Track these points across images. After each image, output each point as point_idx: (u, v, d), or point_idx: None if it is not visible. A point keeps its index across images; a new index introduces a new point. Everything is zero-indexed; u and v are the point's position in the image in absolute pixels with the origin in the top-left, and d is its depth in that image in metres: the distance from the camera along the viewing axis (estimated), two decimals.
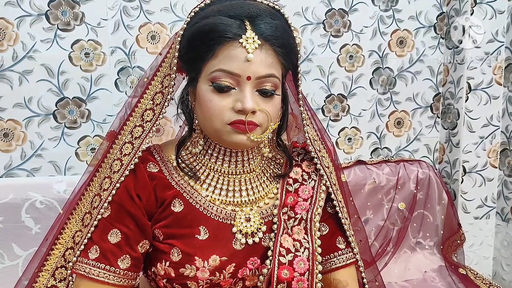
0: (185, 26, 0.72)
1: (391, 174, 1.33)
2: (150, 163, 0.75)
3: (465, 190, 1.51)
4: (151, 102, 0.76)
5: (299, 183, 0.79)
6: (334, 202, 0.79)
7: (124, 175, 0.72)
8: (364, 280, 0.81)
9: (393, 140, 1.55)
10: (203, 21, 0.69)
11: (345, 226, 0.79)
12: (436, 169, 1.55)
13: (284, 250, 0.72)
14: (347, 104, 1.48)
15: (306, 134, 0.79)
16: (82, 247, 0.70)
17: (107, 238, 0.70)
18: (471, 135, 1.50)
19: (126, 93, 1.28)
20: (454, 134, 1.53)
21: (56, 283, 0.76)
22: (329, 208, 0.80)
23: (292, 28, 0.74)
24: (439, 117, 1.58)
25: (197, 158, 0.77)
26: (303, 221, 0.75)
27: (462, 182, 1.50)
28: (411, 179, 1.33)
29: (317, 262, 0.73)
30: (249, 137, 0.70)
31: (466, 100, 1.49)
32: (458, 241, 1.32)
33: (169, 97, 0.75)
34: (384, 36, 1.48)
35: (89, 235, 0.70)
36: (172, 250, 0.70)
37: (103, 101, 1.26)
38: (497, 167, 1.53)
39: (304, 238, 0.74)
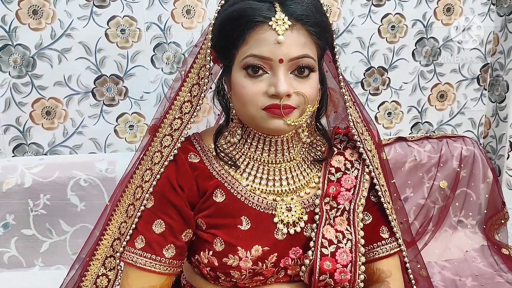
0: (216, 14, 0.71)
1: (432, 151, 1.28)
2: (191, 153, 0.75)
3: (511, 166, 1.44)
4: (189, 94, 0.75)
5: (341, 172, 0.77)
6: (377, 187, 0.77)
7: (164, 165, 0.72)
8: (407, 264, 0.79)
9: (435, 114, 1.48)
10: (232, 7, 0.67)
11: (389, 217, 0.76)
12: (481, 144, 1.49)
13: (326, 241, 0.71)
14: (388, 77, 1.42)
15: (350, 117, 0.76)
16: (128, 237, 0.72)
17: (151, 228, 0.71)
18: None
19: (162, 70, 1.27)
20: (502, 108, 1.44)
21: (106, 272, 0.79)
22: (372, 197, 0.78)
23: (324, 7, 0.71)
24: (486, 89, 1.50)
25: (237, 147, 0.76)
26: (346, 212, 0.74)
27: (508, 158, 1.43)
28: (454, 156, 1.28)
29: (360, 254, 0.72)
30: (285, 121, 0.68)
31: None
32: (502, 220, 1.27)
33: (205, 88, 0.73)
34: (429, 3, 1.39)
35: (133, 225, 0.72)
36: (215, 240, 0.71)
37: (139, 78, 1.26)
38: None
39: (347, 230, 0.73)
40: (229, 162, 0.75)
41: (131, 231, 0.72)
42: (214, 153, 0.76)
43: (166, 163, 0.72)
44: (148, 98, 1.28)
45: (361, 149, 0.77)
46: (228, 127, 0.76)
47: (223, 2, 0.70)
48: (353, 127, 0.77)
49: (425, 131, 1.48)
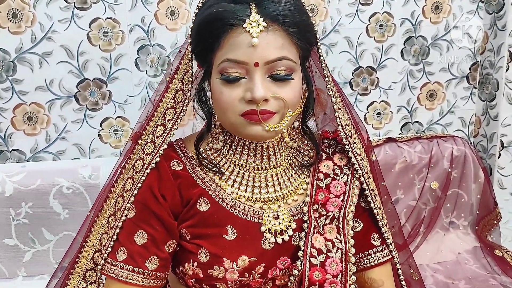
0: (193, 18, 0.68)
1: (423, 152, 1.27)
2: (174, 160, 0.72)
3: (502, 165, 1.43)
4: (173, 100, 0.73)
5: (330, 178, 0.75)
6: (367, 193, 0.74)
7: (145, 174, 0.70)
8: (399, 271, 0.77)
9: (424, 114, 1.47)
10: (207, 11, 0.65)
11: (380, 223, 0.74)
12: (471, 143, 1.48)
13: (316, 251, 0.69)
14: (377, 77, 1.40)
15: (338, 120, 0.74)
16: (109, 249, 0.69)
17: (133, 240, 0.68)
18: (511, 107, 1.40)
19: (146, 73, 1.24)
20: (492, 106, 1.43)
21: (87, 286, 0.76)
22: (362, 203, 0.76)
23: (307, 6, 0.69)
24: (476, 88, 1.49)
25: (221, 153, 0.74)
26: (335, 219, 0.71)
27: (499, 157, 1.42)
28: (445, 156, 1.26)
29: (350, 264, 0.69)
30: (264, 127, 0.65)
31: (506, 70, 1.38)
32: (495, 221, 1.26)
33: (189, 94, 0.71)
34: (418, 1, 1.37)
35: (115, 237, 0.69)
36: (200, 251, 0.69)
37: (123, 81, 1.23)
38: None
39: (337, 238, 0.70)
40: (213, 169, 0.72)
41: (112, 243, 0.69)
42: (198, 160, 0.74)
43: (147, 171, 0.70)
44: (133, 102, 1.25)
45: (350, 153, 0.74)
46: (211, 133, 0.74)
47: (200, 4, 0.67)
48: (342, 130, 0.74)
49: (415, 131, 1.47)
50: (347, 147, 0.74)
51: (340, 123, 0.74)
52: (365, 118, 1.42)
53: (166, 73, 0.81)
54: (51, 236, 1.10)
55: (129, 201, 0.69)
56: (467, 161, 1.28)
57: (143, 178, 0.69)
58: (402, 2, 1.36)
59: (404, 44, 1.40)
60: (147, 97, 1.26)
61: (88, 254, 0.76)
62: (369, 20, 1.35)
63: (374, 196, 0.76)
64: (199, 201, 0.70)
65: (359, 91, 1.40)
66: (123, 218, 0.69)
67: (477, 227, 1.26)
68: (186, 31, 1.23)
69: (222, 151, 0.73)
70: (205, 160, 0.72)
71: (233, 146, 0.72)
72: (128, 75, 1.23)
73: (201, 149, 0.73)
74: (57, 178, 1.08)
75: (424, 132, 1.47)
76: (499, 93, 1.40)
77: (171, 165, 0.71)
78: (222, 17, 0.63)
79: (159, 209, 0.69)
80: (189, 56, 0.70)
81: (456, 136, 1.34)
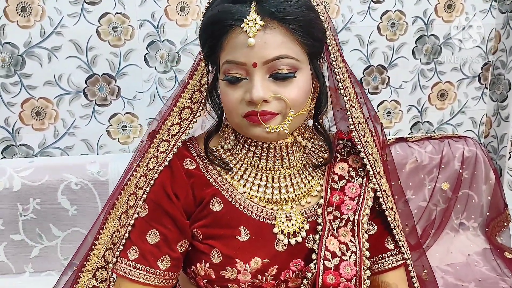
0: (201, 19, 0.67)
1: (434, 152, 1.25)
2: (187, 159, 0.71)
3: None
4: (189, 100, 0.73)
5: (345, 180, 0.73)
6: (378, 194, 0.73)
7: (158, 171, 0.69)
8: (412, 273, 0.76)
9: (435, 114, 1.45)
10: (208, 13, 0.64)
11: (391, 224, 0.73)
12: (481, 144, 1.46)
13: (330, 254, 0.67)
14: (387, 76, 1.39)
15: (350, 119, 0.72)
16: (121, 247, 0.68)
17: (145, 239, 0.67)
18: None
19: (156, 69, 1.23)
20: (503, 107, 1.42)
21: (97, 284, 0.75)
22: (377, 206, 0.74)
23: (318, 6, 0.65)
24: (487, 88, 1.47)
25: (233, 152, 0.73)
26: (350, 222, 0.70)
27: (510, 158, 1.41)
28: (456, 157, 1.25)
29: (365, 267, 0.68)
30: (264, 128, 0.63)
31: None
32: (504, 223, 1.25)
33: (205, 93, 0.71)
34: (430, 0, 1.35)
35: (127, 235, 0.68)
36: (212, 252, 0.67)
37: (132, 77, 1.22)
38: None
39: (351, 241, 0.69)
40: (222, 165, 0.71)
41: (124, 241, 0.68)
42: (207, 158, 0.73)
43: (160, 168, 0.69)
44: (142, 98, 1.24)
45: (362, 153, 0.73)
46: (223, 133, 0.73)
47: (207, 5, 0.66)
48: (354, 129, 0.73)
49: (425, 131, 1.45)
50: (359, 147, 0.73)
51: (352, 122, 0.72)
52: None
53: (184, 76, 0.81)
54: (59, 232, 1.10)
55: (142, 199, 0.68)
56: (478, 162, 1.27)
57: (156, 175, 0.69)
58: (415, 1, 1.34)
59: (415, 42, 1.38)
60: (156, 93, 1.25)
61: (99, 252, 0.75)
62: (381, 18, 1.33)
63: (386, 197, 0.75)
64: (212, 201, 0.69)
65: (369, 90, 1.38)
66: (135, 216, 0.68)
67: (487, 229, 1.25)
68: (196, 27, 1.22)
69: (235, 150, 0.72)
70: (214, 157, 0.71)
71: (245, 146, 0.71)
72: (137, 71, 1.22)
73: (213, 148, 0.72)
74: (65, 174, 1.08)
75: (434, 132, 1.45)
76: (511, 93, 1.39)
77: (184, 163, 0.70)
78: (221, 18, 0.62)
79: (171, 208, 0.68)
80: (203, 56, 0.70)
81: (467, 137, 1.33)
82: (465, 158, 1.25)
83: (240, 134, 0.72)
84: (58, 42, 1.16)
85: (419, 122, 1.45)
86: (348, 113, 0.71)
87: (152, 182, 0.68)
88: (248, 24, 0.60)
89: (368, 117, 0.78)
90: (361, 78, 1.37)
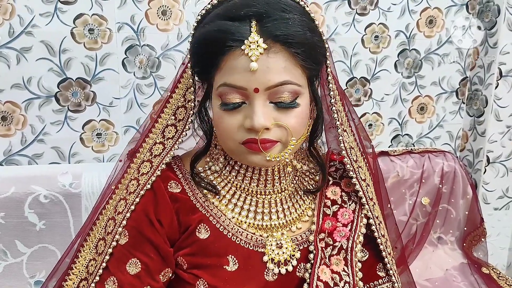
0: (192, 32, 0.63)
1: (415, 166, 1.26)
2: (172, 181, 0.66)
3: (487, 180, 1.45)
4: (173, 117, 0.67)
5: (338, 206, 0.71)
6: (371, 221, 0.71)
7: (140, 195, 0.64)
8: None
9: (415, 127, 1.47)
10: (203, 29, 0.60)
11: (383, 252, 0.71)
12: (458, 157, 1.49)
13: (322, 284, 0.64)
14: (370, 88, 1.39)
15: (342, 144, 0.70)
16: (97, 278, 0.62)
17: (125, 269, 0.62)
18: (498, 124, 1.42)
19: (134, 74, 1.17)
20: (480, 122, 1.45)
21: None
22: (369, 231, 0.72)
23: (314, 18, 0.62)
24: (464, 103, 1.50)
25: (221, 174, 0.69)
26: (343, 250, 0.68)
27: (485, 172, 1.44)
28: (435, 172, 1.26)
29: None
30: (264, 157, 0.60)
31: (496, 87, 1.39)
32: (481, 237, 1.27)
33: (192, 112, 0.66)
34: (413, 14, 1.36)
35: (104, 264, 0.63)
36: (198, 282, 0.63)
37: (109, 82, 1.16)
38: None
39: (344, 271, 0.66)
40: (208, 187, 0.67)
41: (100, 271, 0.63)
42: (193, 180, 0.68)
43: (142, 192, 0.64)
44: (118, 105, 1.18)
45: (354, 180, 0.71)
46: (210, 153, 0.69)
47: (199, 18, 0.62)
48: (345, 155, 0.71)
49: (405, 144, 1.46)
50: (351, 173, 0.71)
51: (344, 147, 0.70)
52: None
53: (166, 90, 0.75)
54: (25, 248, 1.02)
55: (121, 225, 0.63)
56: (456, 177, 1.29)
57: (137, 200, 0.63)
58: (398, 14, 1.35)
59: (398, 56, 1.39)
60: (134, 100, 1.19)
61: (73, 283, 0.68)
62: (365, 31, 1.33)
63: (378, 224, 0.73)
64: (198, 227, 0.65)
65: (352, 102, 1.38)
66: (114, 243, 0.63)
67: (464, 244, 1.27)
68: (178, 32, 1.17)
69: (223, 172, 0.68)
70: (200, 179, 0.67)
71: (235, 167, 0.68)
72: (115, 76, 1.16)
73: (199, 169, 0.68)
74: (34, 186, 1.00)
75: (414, 145, 1.47)
76: (488, 109, 1.42)
77: (168, 186, 0.66)
78: (218, 38, 0.57)
79: (154, 235, 0.63)
80: (191, 71, 0.65)
81: (446, 152, 1.35)
82: (444, 173, 1.27)
83: (228, 157, 0.68)
84: (29, 42, 1.08)
85: (399, 134, 1.46)
86: (340, 138, 0.69)
87: (132, 207, 0.63)
88: (249, 47, 0.56)
89: (358, 142, 0.77)
90: (344, 90, 1.36)
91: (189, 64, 0.66)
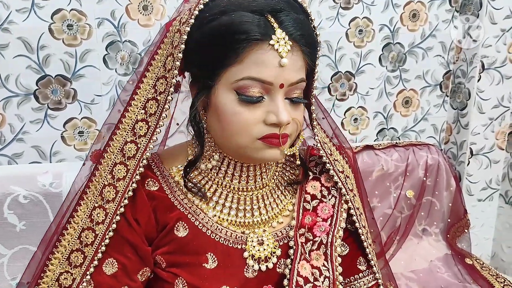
0: (192, 21, 0.59)
1: (399, 160, 1.27)
2: (149, 179, 0.65)
3: (471, 172, 1.47)
4: (143, 111, 0.63)
5: (317, 200, 0.71)
6: (352, 212, 0.72)
7: (122, 204, 0.61)
8: None
9: (400, 120, 1.48)
10: (221, 19, 0.57)
11: (364, 243, 0.71)
12: (442, 150, 1.50)
13: (302, 280, 0.64)
14: (355, 82, 1.39)
15: (316, 137, 0.71)
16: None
17: (102, 270, 0.61)
18: (481, 116, 1.44)
19: (116, 71, 1.15)
20: (463, 115, 1.46)
21: None
22: (349, 225, 0.73)
23: (312, 19, 0.64)
24: (448, 96, 1.51)
25: (202, 172, 0.67)
26: (323, 245, 0.68)
27: (468, 164, 1.46)
28: (420, 165, 1.27)
29: None
30: (282, 151, 0.62)
31: (478, 80, 1.41)
32: (464, 228, 1.29)
33: (167, 106, 0.62)
34: (396, 8, 1.36)
35: (87, 277, 0.61)
36: (177, 281, 0.62)
37: (90, 79, 1.14)
38: (504, 149, 1.49)
39: (324, 266, 0.67)
40: (199, 194, 0.66)
41: (84, 284, 0.60)
42: (176, 179, 0.67)
43: (125, 201, 0.61)
44: (100, 102, 1.16)
45: (331, 171, 0.71)
46: (202, 155, 0.68)
47: (201, 6, 0.59)
48: (321, 148, 0.71)
49: (390, 137, 1.47)
50: (328, 165, 0.71)
51: (318, 141, 0.71)
52: (342, 123, 1.41)
53: (136, 71, 0.71)
54: (5, 250, 0.99)
55: (106, 236, 0.61)
56: (440, 169, 1.30)
57: (122, 209, 0.61)
58: (382, 8, 1.35)
59: (382, 50, 1.39)
60: (116, 96, 1.17)
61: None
62: (349, 25, 1.33)
63: (359, 215, 0.73)
64: (176, 225, 0.64)
65: (337, 96, 1.38)
66: (99, 255, 0.61)
67: (448, 235, 1.29)
68: (160, 27, 1.15)
69: (213, 170, 0.67)
70: (192, 186, 0.66)
71: (222, 168, 0.67)
72: (96, 72, 1.13)
73: (179, 166, 0.67)
74: (13, 186, 0.97)
75: (399, 139, 1.47)
76: (470, 102, 1.43)
77: (146, 184, 0.64)
78: (244, 29, 0.56)
79: (132, 235, 0.62)
80: (167, 59, 0.62)
81: (430, 145, 1.36)
82: (428, 165, 1.28)
83: (224, 156, 0.66)
84: (5, 39, 1.05)
85: (385, 128, 1.47)
86: (315, 130, 0.70)
87: (118, 217, 0.61)
88: (278, 42, 0.57)
89: (332, 137, 0.77)
90: (329, 85, 1.36)
91: (158, 51, 0.63)
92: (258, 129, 0.60)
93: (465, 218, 1.30)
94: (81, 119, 1.16)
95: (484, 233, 1.52)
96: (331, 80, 1.36)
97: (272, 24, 0.58)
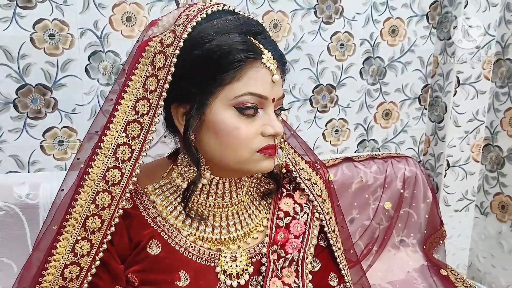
0: (181, 44, 0.60)
1: (378, 172, 1.29)
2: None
3: (448, 183, 1.50)
4: (123, 134, 0.61)
5: (290, 217, 0.72)
6: (325, 227, 0.73)
7: (109, 232, 0.61)
8: None
9: (380, 132, 1.51)
10: (216, 39, 0.60)
11: (340, 265, 0.73)
12: (420, 161, 1.54)
13: None
14: (336, 95, 1.42)
15: (285, 155, 0.74)
16: None
17: None
18: (457, 129, 1.48)
19: (98, 81, 1.15)
20: (440, 128, 1.50)
21: None
22: (321, 241, 0.74)
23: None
24: (426, 109, 1.55)
25: (178, 190, 0.68)
26: (294, 262, 0.69)
27: (445, 175, 1.49)
28: (398, 177, 1.30)
29: None
30: (275, 160, 0.67)
31: (454, 94, 1.45)
32: (440, 239, 1.32)
33: (153, 128, 0.62)
34: (376, 24, 1.40)
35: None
36: None
37: (71, 89, 1.13)
38: (479, 162, 1.53)
39: (295, 282, 0.68)
40: (197, 217, 0.68)
41: None
42: (151, 198, 0.67)
43: (112, 228, 0.61)
44: (82, 111, 1.16)
45: (298, 179, 0.73)
46: (182, 170, 0.68)
47: (189, 30, 0.61)
48: (290, 164, 0.74)
49: (370, 149, 1.50)
50: (294, 173, 0.74)
51: (288, 159, 0.74)
52: (323, 135, 1.43)
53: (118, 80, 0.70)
54: None
55: (93, 266, 0.61)
56: (417, 181, 1.33)
57: (109, 237, 0.61)
58: (362, 23, 1.38)
59: (363, 64, 1.42)
60: (98, 106, 1.17)
61: None
62: (330, 39, 1.36)
63: (329, 220, 0.75)
64: (149, 243, 0.64)
65: (318, 108, 1.40)
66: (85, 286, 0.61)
67: (424, 246, 1.31)
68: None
69: (204, 188, 0.68)
70: (191, 211, 0.67)
71: (213, 181, 0.69)
72: (78, 82, 1.13)
73: (155, 185, 0.68)
74: None
75: (379, 150, 1.50)
76: (447, 115, 1.47)
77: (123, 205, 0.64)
78: (242, 48, 0.60)
79: (105, 255, 0.62)
80: (146, 79, 0.62)
81: (408, 157, 1.39)
82: (406, 178, 1.31)
83: (205, 172, 0.67)
84: None
85: (365, 140, 1.49)
86: (285, 150, 0.73)
87: (104, 245, 0.60)
88: (269, 61, 0.62)
89: (302, 154, 0.80)
90: (310, 97, 1.38)
91: (134, 71, 0.62)
92: (257, 142, 0.63)
93: (441, 229, 1.33)
94: (61, 128, 1.15)
95: (460, 243, 1.56)
96: (313, 93, 1.38)
97: (257, 44, 0.63)
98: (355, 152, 1.47)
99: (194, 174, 0.66)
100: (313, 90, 1.38)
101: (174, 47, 0.60)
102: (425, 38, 1.47)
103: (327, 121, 1.42)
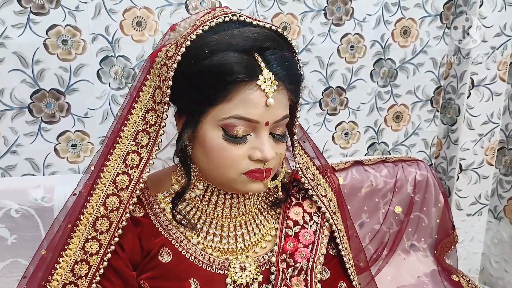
0: (179, 58, 0.60)
1: (388, 176, 1.28)
2: (135, 205, 0.67)
3: (460, 187, 1.48)
4: (133, 142, 0.64)
5: (299, 226, 0.73)
6: (336, 234, 0.73)
7: (116, 234, 0.63)
8: None
9: (390, 135, 1.49)
10: (211, 58, 0.58)
11: (347, 264, 0.73)
12: (432, 165, 1.52)
13: None
14: (346, 98, 1.41)
15: (297, 165, 0.72)
16: None
17: None
18: (470, 132, 1.46)
19: (109, 85, 1.17)
20: (453, 131, 1.48)
21: None
22: (331, 250, 0.74)
23: (297, 55, 0.66)
24: (438, 111, 1.53)
25: (187, 200, 0.69)
26: (303, 272, 0.69)
27: (457, 179, 1.47)
28: (408, 181, 1.29)
29: None
30: (265, 184, 0.64)
31: (468, 97, 1.43)
32: (452, 244, 1.30)
33: (159, 139, 0.64)
34: (388, 25, 1.39)
35: None
36: None
37: (84, 93, 1.15)
38: (493, 165, 1.50)
39: None
40: (188, 225, 0.68)
41: None
42: (161, 206, 0.68)
43: (119, 231, 0.63)
44: (94, 115, 1.18)
45: (314, 197, 0.73)
46: (181, 181, 0.69)
47: (188, 43, 0.60)
48: (302, 175, 0.73)
49: (381, 151, 1.49)
50: (310, 191, 0.73)
51: (299, 168, 0.72)
52: (333, 137, 1.42)
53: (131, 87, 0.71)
54: None
55: (101, 266, 0.63)
56: (428, 185, 1.31)
57: (116, 239, 0.63)
58: (373, 25, 1.37)
59: (373, 66, 1.41)
60: (109, 110, 1.19)
61: None
62: (340, 41, 1.35)
63: (342, 237, 0.75)
64: (160, 251, 0.66)
65: (328, 111, 1.40)
66: (94, 286, 0.63)
67: (435, 251, 1.30)
68: (154, 43, 1.17)
69: (197, 198, 0.69)
70: (181, 218, 0.67)
71: (205, 196, 0.69)
72: (90, 87, 1.15)
73: (165, 193, 0.69)
74: (4, 200, 0.99)
75: (390, 153, 1.49)
76: (460, 118, 1.45)
77: (131, 210, 0.66)
78: (234, 70, 0.58)
79: (117, 261, 0.64)
80: (155, 91, 0.63)
81: (419, 160, 1.37)
82: (417, 182, 1.30)
83: (209, 186, 0.68)
84: (1, 54, 1.07)
85: (376, 142, 1.48)
86: (296, 158, 0.72)
87: (112, 247, 0.63)
88: (265, 83, 0.59)
89: (313, 157, 0.79)
90: (320, 99, 1.38)
91: (145, 82, 0.64)
92: (244, 164, 0.62)
93: (453, 234, 1.32)
94: (74, 132, 1.17)
95: (473, 247, 1.54)
96: (322, 95, 1.38)
97: (259, 63, 0.59)
98: (365, 155, 1.46)
99: (199, 185, 0.68)
100: (322, 92, 1.37)
101: (173, 60, 0.61)
102: (438, 38, 1.45)
103: (336, 124, 1.42)
